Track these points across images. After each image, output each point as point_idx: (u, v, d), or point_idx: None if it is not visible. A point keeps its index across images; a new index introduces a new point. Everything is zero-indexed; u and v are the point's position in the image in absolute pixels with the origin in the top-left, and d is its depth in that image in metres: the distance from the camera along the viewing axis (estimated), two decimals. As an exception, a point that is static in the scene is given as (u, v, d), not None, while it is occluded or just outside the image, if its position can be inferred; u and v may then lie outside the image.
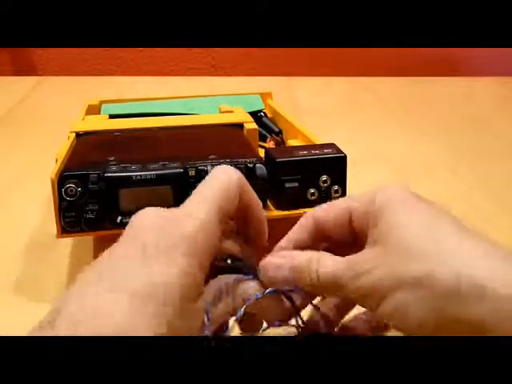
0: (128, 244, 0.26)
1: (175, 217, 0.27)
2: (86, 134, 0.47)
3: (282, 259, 0.30)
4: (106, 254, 0.26)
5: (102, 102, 0.64)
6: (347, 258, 0.28)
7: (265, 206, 0.41)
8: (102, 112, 0.61)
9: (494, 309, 0.23)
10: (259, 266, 0.30)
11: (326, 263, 0.28)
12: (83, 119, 0.55)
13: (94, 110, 0.61)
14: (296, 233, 0.32)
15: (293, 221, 0.41)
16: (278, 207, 0.43)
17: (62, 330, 0.22)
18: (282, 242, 0.32)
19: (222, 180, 0.28)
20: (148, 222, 0.27)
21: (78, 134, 0.47)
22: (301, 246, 0.31)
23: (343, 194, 0.43)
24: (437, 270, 0.24)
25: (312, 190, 0.43)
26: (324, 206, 0.31)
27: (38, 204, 0.53)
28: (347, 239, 0.30)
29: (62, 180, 0.37)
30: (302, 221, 0.32)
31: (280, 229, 0.42)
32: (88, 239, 0.48)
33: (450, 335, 0.24)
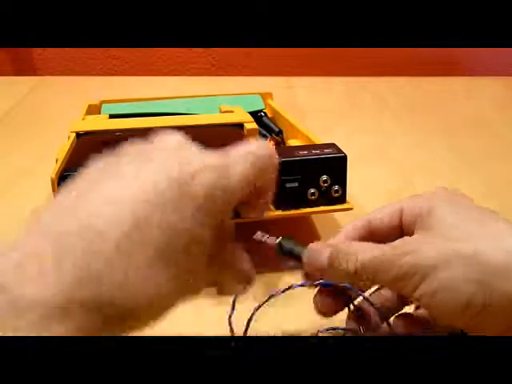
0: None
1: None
2: (87, 133, 0.47)
3: (324, 245, 0.30)
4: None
5: (102, 102, 0.64)
6: (391, 243, 0.28)
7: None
8: (102, 112, 0.61)
9: None
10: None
11: (367, 249, 0.28)
12: (83, 119, 0.55)
13: (94, 109, 0.61)
14: (346, 231, 0.32)
15: (293, 221, 0.41)
16: (278, 207, 0.43)
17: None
18: (333, 240, 0.32)
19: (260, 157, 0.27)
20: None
21: (78, 134, 0.47)
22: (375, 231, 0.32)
23: (343, 194, 0.43)
24: (486, 248, 0.25)
25: (312, 190, 0.43)
26: (377, 209, 0.32)
27: (37, 204, 0.53)
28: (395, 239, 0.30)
29: (62, 180, 0.37)
30: (354, 222, 0.32)
31: (280, 229, 0.42)
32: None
33: (496, 312, 0.25)
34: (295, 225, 0.47)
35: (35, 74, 1.12)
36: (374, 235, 0.31)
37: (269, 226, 0.43)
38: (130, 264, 0.21)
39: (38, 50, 1.11)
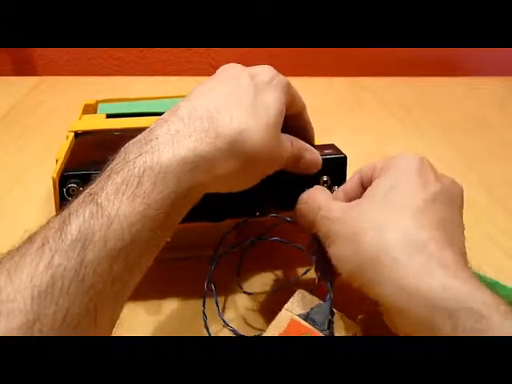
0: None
1: None
2: (85, 133, 0.47)
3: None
4: None
5: (98, 102, 0.63)
6: (328, 202, 0.35)
7: (264, 207, 0.41)
8: (98, 111, 0.61)
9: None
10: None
11: (322, 207, 0.35)
12: (80, 118, 0.55)
13: (90, 109, 0.61)
14: (346, 185, 0.38)
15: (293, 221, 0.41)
16: (278, 207, 0.43)
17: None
18: (338, 192, 0.38)
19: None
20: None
21: (76, 134, 0.47)
22: (350, 196, 0.37)
23: (343, 193, 0.43)
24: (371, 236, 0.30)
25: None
26: (369, 164, 0.36)
27: (38, 204, 0.53)
28: None
29: (63, 180, 0.37)
30: (352, 175, 0.38)
31: (280, 229, 0.42)
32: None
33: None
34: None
35: (35, 74, 1.12)
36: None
37: (269, 227, 0.43)
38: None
39: (38, 50, 1.11)
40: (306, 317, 0.35)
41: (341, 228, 0.32)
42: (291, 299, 0.38)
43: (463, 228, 0.33)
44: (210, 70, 1.14)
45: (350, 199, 0.36)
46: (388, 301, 0.28)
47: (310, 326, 0.34)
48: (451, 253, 0.28)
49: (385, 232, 0.29)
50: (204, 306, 0.39)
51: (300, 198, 0.37)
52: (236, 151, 0.31)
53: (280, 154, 0.35)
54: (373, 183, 0.34)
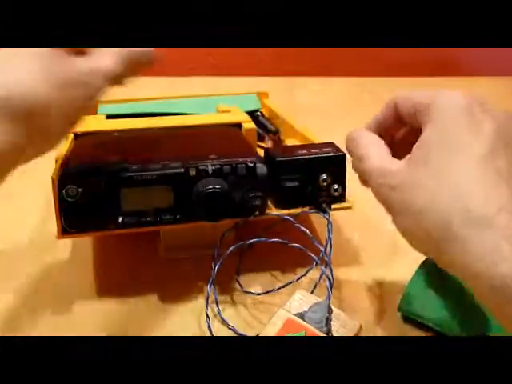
0: None
1: None
2: (85, 134, 0.47)
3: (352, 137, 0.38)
4: None
5: (98, 102, 0.63)
6: (382, 164, 0.32)
7: (265, 206, 0.41)
8: (98, 112, 0.61)
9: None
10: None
11: (371, 157, 0.34)
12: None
13: (90, 110, 0.61)
14: (380, 114, 0.38)
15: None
16: (277, 206, 0.43)
17: None
18: (370, 123, 0.39)
19: None
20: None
21: (76, 135, 0.47)
22: (385, 126, 0.37)
23: (343, 192, 0.43)
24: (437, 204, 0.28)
25: (311, 189, 0.43)
26: (406, 93, 0.35)
27: (38, 204, 0.53)
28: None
29: (62, 181, 0.37)
30: (387, 102, 0.37)
31: (280, 228, 0.42)
32: (88, 239, 0.48)
33: None
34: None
35: (35, 74, 1.12)
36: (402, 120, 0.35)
37: (269, 227, 0.43)
38: None
39: (38, 50, 1.11)
40: (302, 315, 0.35)
41: (403, 198, 0.30)
42: (290, 299, 0.38)
43: None
44: (210, 70, 1.14)
45: (382, 130, 0.37)
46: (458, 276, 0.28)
47: (307, 325, 0.34)
48: None
49: (448, 209, 0.27)
50: (207, 306, 0.39)
51: (348, 136, 0.38)
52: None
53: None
54: (421, 138, 0.31)
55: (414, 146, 0.31)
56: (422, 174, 0.29)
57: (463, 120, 0.30)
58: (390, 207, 0.31)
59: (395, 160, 0.33)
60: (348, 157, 0.39)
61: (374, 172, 0.33)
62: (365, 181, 0.35)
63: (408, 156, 0.31)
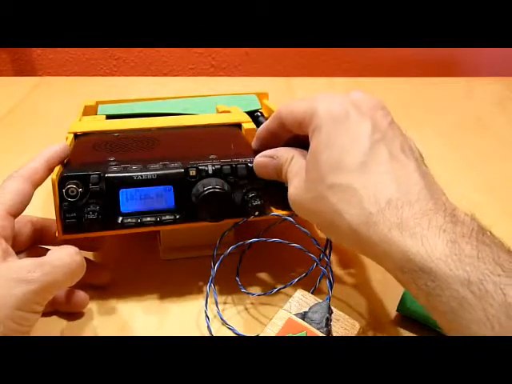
0: None
1: None
2: (85, 134, 0.47)
3: (268, 159, 0.38)
4: None
5: (98, 103, 0.63)
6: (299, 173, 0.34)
7: (265, 206, 0.41)
8: (98, 112, 0.61)
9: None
10: (253, 163, 0.39)
11: (292, 168, 0.35)
12: (80, 120, 0.55)
13: (90, 110, 0.61)
14: (269, 124, 0.39)
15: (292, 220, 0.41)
16: (277, 207, 0.43)
17: None
18: (260, 131, 0.41)
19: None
20: None
21: (76, 135, 0.47)
22: (275, 134, 0.39)
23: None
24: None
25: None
26: (288, 107, 0.36)
27: (38, 204, 0.53)
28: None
29: (62, 181, 0.37)
30: (274, 114, 0.38)
31: (280, 228, 0.42)
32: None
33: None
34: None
35: (35, 74, 1.12)
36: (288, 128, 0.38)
37: (268, 226, 0.43)
38: None
39: (38, 50, 1.11)
40: (303, 316, 0.35)
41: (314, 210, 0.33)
42: (290, 299, 0.38)
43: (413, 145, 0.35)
44: (210, 70, 1.14)
45: (271, 136, 0.39)
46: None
47: (307, 325, 0.34)
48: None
49: (343, 214, 0.30)
50: (206, 306, 0.39)
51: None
52: None
53: None
54: (310, 151, 0.33)
55: (306, 160, 0.34)
56: (318, 187, 0.32)
57: (341, 127, 0.32)
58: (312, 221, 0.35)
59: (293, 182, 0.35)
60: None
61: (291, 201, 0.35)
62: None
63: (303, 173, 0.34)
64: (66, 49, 1.11)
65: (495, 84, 0.96)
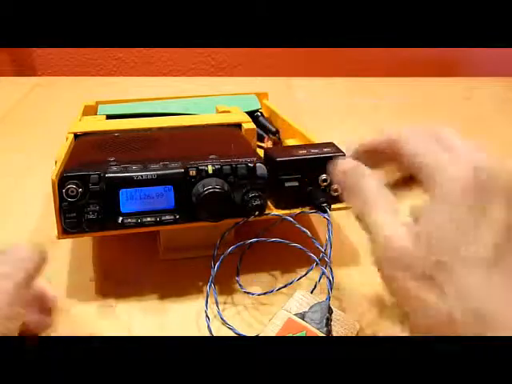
0: None
1: None
2: (84, 134, 0.47)
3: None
4: None
5: (98, 103, 0.63)
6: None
7: (265, 206, 0.41)
8: (98, 112, 0.61)
9: None
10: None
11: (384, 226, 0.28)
12: (80, 120, 0.55)
13: (90, 110, 0.61)
14: (373, 142, 0.34)
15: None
16: (277, 206, 0.43)
17: None
18: (360, 148, 0.35)
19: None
20: None
21: (76, 135, 0.47)
22: (370, 153, 0.34)
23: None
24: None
25: (311, 189, 0.43)
26: (412, 146, 0.32)
27: (37, 204, 0.53)
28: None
29: (62, 181, 0.37)
30: (390, 137, 0.35)
31: (280, 228, 0.42)
32: (88, 239, 0.48)
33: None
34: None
35: (35, 74, 1.12)
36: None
37: (268, 226, 0.43)
38: None
39: (38, 50, 1.11)
40: (303, 315, 0.35)
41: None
42: (290, 299, 0.38)
43: None
44: (210, 70, 1.14)
45: (366, 154, 0.34)
46: None
47: (307, 325, 0.34)
48: None
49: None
50: (206, 306, 0.39)
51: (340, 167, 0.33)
52: None
53: None
54: (423, 217, 0.27)
55: (421, 220, 0.27)
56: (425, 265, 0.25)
57: (467, 206, 0.26)
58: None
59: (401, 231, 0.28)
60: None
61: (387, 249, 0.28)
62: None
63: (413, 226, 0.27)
64: (66, 49, 1.11)
65: (495, 84, 0.96)
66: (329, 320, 0.35)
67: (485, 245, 0.25)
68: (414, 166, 0.30)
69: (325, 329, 0.34)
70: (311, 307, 0.36)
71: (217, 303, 0.40)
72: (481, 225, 0.25)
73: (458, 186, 0.27)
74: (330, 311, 0.36)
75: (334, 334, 0.35)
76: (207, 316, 0.39)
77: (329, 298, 0.37)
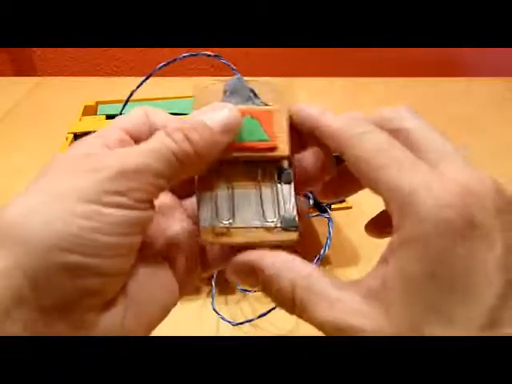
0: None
1: None
2: (85, 134, 0.47)
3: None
4: None
5: (98, 103, 0.63)
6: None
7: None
8: (98, 113, 0.61)
9: None
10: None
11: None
12: (80, 120, 0.55)
13: (90, 110, 0.61)
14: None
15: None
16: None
17: None
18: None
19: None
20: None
21: (76, 135, 0.47)
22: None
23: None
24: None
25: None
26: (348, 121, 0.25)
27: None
28: None
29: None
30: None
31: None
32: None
33: None
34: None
35: (35, 74, 1.12)
36: None
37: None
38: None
39: (38, 50, 1.11)
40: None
41: None
42: None
43: None
44: (210, 70, 1.14)
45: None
46: None
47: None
48: None
49: None
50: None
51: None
52: None
53: None
54: (398, 267, 0.20)
55: (387, 280, 0.21)
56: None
57: (461, 247, 0.19)
58: None
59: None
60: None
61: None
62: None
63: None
64: (66, 49, 1.11)
65: (495, 84, 0.96)
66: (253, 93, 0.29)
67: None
68: (369, 181, 0.22)
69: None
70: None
71: (214, 301, 0.40)
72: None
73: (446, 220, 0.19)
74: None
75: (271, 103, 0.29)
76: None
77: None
